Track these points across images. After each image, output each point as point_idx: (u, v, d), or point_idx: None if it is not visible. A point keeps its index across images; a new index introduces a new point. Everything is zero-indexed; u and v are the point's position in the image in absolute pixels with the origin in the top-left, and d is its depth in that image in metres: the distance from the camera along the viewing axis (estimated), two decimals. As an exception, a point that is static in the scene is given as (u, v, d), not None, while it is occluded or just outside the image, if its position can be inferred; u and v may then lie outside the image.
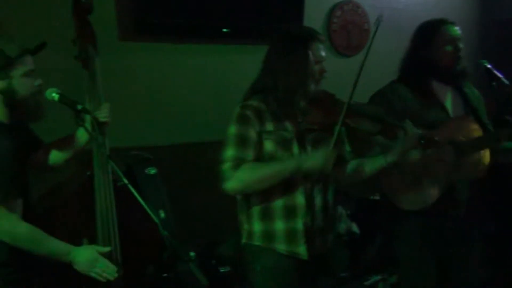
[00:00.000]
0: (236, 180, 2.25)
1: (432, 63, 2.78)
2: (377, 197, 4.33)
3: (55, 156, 2.46)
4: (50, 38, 3.17)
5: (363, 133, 2.34)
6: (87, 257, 2.18)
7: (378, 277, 3.92)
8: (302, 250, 2.35)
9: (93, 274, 2.19)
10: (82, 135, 2.42)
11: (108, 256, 2.25)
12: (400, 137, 2.34)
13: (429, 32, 2.83)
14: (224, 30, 3.99)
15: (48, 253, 2.16)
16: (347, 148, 2.54)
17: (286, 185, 2.31)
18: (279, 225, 2.34)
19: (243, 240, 2.45)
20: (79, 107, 2.21)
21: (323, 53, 2.34)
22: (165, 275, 3.21)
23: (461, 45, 2.78)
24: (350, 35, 4.76)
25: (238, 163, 2.25)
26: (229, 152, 2.27)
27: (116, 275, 2.22)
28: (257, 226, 2.38)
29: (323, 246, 2.41)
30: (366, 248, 4.10)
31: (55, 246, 2.16)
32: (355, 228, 4.09)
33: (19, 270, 2.21)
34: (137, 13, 3.68)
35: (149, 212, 1.92)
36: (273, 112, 2.31)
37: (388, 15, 4.92)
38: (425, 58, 2.79)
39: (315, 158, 2.24)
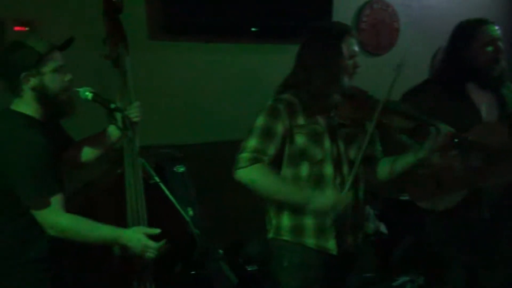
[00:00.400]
0: (246, 174, 2.25)
1: (471, 64, 2.73)
2: (405, 197, 4.31)
3: (86, 153, 2.48)
4: (82, 37, 3.26)
5: (396, 129, 2.33)
6: (137, 237, 2.19)
7: (406, 278, 3.89)
8: (331, 245, 2.34)
9: (147, 254, 2.20)
10: (113, 133, 2.45)
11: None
12: (433, 133, 2.31)
13: (468, 32, 2.78)
14: (253, 29, 3.99)
15: (98, 240, 2.17)
16: (378, 147, 2.53)
17: (317, 180, 2.31)
18: (308, 220, 2.34)
19: (270, 235, 2.45)
20: (112, 106, 2.23)
21: (356, 48, 2.35)
22: (193, 272, 3.23)
23: (501, 46, 2.73)
24: (379, 34, 4.72)
25: (257, 156, 2.24)
26: (251, 142, 2.27)
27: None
28: (286, 221, 2.38)
29: (353, 244, 2.41)
30: (394, 249, 4.07)
31: (105, 232, 2.18)
32: (383, 228, 4.06)
33: (52, 266, 2.24)
34: (167, 13, 3.70)
35: (180, 210, 1.93)
36: (305, 107, 2.31)
37: (418, 13, 4.90)
38: (463, 59, 2.75)
39: (325, 201, 2.23)
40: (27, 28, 3.27)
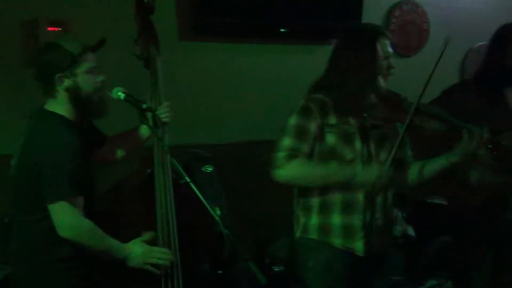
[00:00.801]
0: (286, 170, 2.28)
1: (506, 68, 2.71)
2: (433, 200, 4.27)
3: (117, 150, 2.53)
4: (113, 37, 3.30)
5: (429, 132, 2.32)
6: (138, 250, 2.22)
7: (434, 282, 3.85)
8: (358, 246, 2.34)
9: (150, 262, 2.22)
10: (144, 132, 2.49)
11: (161, 243, 2.28)
12: (465, 138, 2.29)
13: (504, 36, 2.76)
14: (282, 30, 3.99)
15: (106, 249, 2.20)
16: (409, 151, 2.51)
17: None
18: (336, 219, 2.34)
19: (298, 234, 2.45)
20: (144, 106, 2.26)
21: (390, 49, 2.35)
22: (220, 272, 3.24)
23: None
24: (409, 35, 4.68)
25: (293, 154, 2.27)
26: (286, 142, 2.30)
27: (172, 258, 2.25)
28: (314, 220, 2.38)
29: (380, 246, 2.40)
30: (422, 252, 4.03)
31: (112, 243, 2.20)
32: (411, 231, 4.03)
33: (81, 264, 2.27)
34: (196, 13, 3.72)
35: (210, 210, 1.94)
36: (337, 107, 2.32)
37: (448, 14, 4.84)
38: (503, 62, 2.72)
39: (369, 174, 2.26)
40: (60, 28, 3.31)
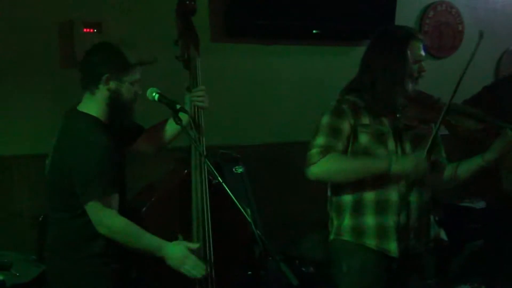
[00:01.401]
0: (320, 166, 2.27)
1: None
2: (466, 204, 4.21)
3: (150, 142, 2.55)
4: (148, 38, 3.34)
5: (465, 130, 2.29)
6: (178, 254, 2.22)
7: (467, 287, 3.80)
8: (392, 247, 2.31)
9: (183, 270, 2.23)
10: (171, 129, 2.49)
11: (198, 253, 2.29)
12: (502, 135, 2.26)
13: None
14: (314, 31, 3.99)
15: (142, 247, 2.22)
16: (443, 153, 2.48)
17: (379, 179, 2.29)
18: (370, 220, 2.32)
19: (332, 237, 2.44)
20: (178, 106, 2.27)
21: (422, 52, 2.32)
22: (250, 273, 3.25)
23: None
24: (443, 36, 4.63)
25: (327, 150, 2.27)
26: (319, 140, 2.29)
27: (204, 273, 2.25)
28: (347, 221, 2.37)
29: (416, 248, 2.38)
30: (454, 256, 3.98)
31: (149, 241, 2.21)
32: (443, 234, 3.96)
33: (115, 260, 2.30)
34: (228, 15, 3.74)
35: (242, 210, 1.95)
36: (370, 108, 2.31)
37: (483, 15, 4.77)
38: None
39: (406, 162, 2.24)
40: (94, 30, 3.36)
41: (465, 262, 3.98)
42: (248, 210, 3.08)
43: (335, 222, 2.43)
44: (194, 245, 2.27)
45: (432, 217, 3.91)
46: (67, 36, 3.34)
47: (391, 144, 2.32)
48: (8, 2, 3.24)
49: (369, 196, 2.32)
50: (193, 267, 2.23)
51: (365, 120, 2.31)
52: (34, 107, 3.33)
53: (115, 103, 2.27)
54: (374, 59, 2.33)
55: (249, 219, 1.91)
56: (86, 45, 3.27)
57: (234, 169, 3.63)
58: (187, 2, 2.49)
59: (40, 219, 3.24)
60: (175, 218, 2.38)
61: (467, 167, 2.40)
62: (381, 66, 2.29)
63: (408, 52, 2.28)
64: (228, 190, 1.98)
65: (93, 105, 2.27)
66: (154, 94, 2.32)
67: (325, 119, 2.32)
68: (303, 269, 3.59)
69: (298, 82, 4.08)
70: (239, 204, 1.97)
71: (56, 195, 2.31)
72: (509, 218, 2.78)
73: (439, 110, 2.24)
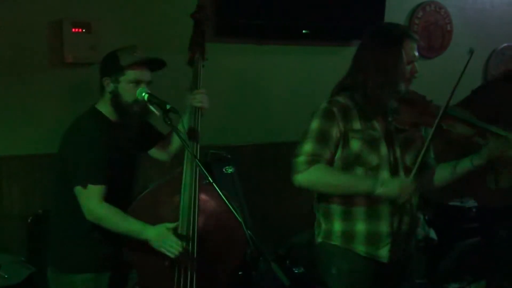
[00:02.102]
0: (307, 176, 2.24)
1: None
2: (455, 203, 4.23)
3: (161, 150, 2.72)
4: (138, 41, 3.33)
5: (456, 135, 2.28)
6: (157, 235, 2.31)
7: (456, 286, 3.82)
8: (382, 253, 2.30)
9: (163, 250, 2.31)
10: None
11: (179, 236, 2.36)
12: (491, 141, 2.25)
13: None
14: (304, 31, 3.99)
15: (126, 231, 2.34)
16: (431, 154, 2.48)
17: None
18: (360, 227, 2.29)
19: (319, 240, 2.41)
20: (168, 106, 2.28)
21: (416, 53, 2.26)
22: (240, 273, 3.24)
23: None
24: (432, 36, 4.65)
25: (314, 159, 2.23)
26: (307, 147, 2.25)
27: (180, 250, 2.30)
28: (337, 226, 2.33)
29: (405, 251, 2.37)
30: (444, 256, 4.00)
31: (131, 225, 2.33)
32: (433, 234, 3.99)
33: (107, 245, 2.41)
34: (218, 15, 3.73)
35: (233, 211, 1.94)
36: (361, 110, 2.27)
37: (472, 15, 4.80)
38: None
39: (391, 186, 2.19)
40: (83, 30, 3.35)
41: (455, 261, 3.99)
42: (238, 210, 3.09)
43: (324, 226, 2.39)
44: (173, 225, 2.34)
45: (422, 217, 3.96)
46: (56, 36, 3.33)
47: (383, 149, 2.27)
48: (-3, 2, 3.22)
49: (360, 203, 2.28)
50: (171, 245, 2.30)
51: (356, 124, 2.26)
52: (23, 108, 3.31)
53: (116, 103, 2.41)
54: (367, 57, 2.26)
55: (240, 219, 1.91)
56: (75, 45, 3.31)
57: (224, 169, 3.62)
58: (200, 14, 2.72)
59: (30, 220, 3.23)
60: (166, 213, 2.40)
61: (456, 170, 2.37)
62: (374, 65, 2.22)
63: (402, 51, 2.22)
64: (219, 191, 1.98)
65: (103, 104, 2.45)
66: (143, 94, 2.37)
67: (315, 124, 2.27)
68: (294, 269, 3.58)
69: (288, 82, 4.08)
70: (230, 204, 1.97)
71: (56, 186, 2.48)
72: (492, 217, 2.79)
73: (432, 113, 2.21)
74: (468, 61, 2.18)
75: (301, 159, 2.24)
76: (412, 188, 2.21)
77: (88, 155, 2.33)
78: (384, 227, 2.28)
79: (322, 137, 2.24)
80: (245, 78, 3.95)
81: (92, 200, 2.31)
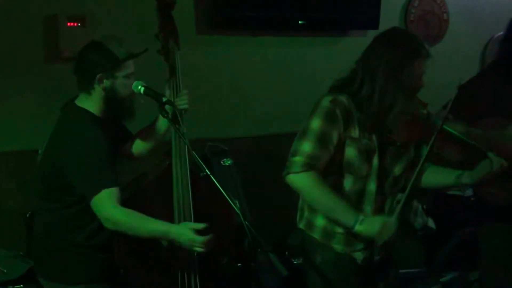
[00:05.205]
0: (297, 180, 2.18)
1: None
2: (454, 192, 4.24)
3: (139, 146, 2.55)
4: (133, 32, 3.32)
5: (447, 155, 2.29)
6: (188, 237, 2.18)
7: (455, 274, 3.83)
8: (357, 255, 2.33)
9: (194, 248, 2.21)
10: (161, 126, 2.51)
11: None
12: (483, 164, 2.23)
13: None
14: (300, 22, 3.97)
15: (149, 233, 2.22)
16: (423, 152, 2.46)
17: (358, 194, 2.27)
18: (341, 229, 2.29)
19: (301, 226, 2.41)
20: (164, 99, 2.27)
21: (425, 69, 2.19)
22: (239, 265, 3.25)
23: None
24: (428, 25, 4.64)
25: (310, 163, 2.16)
26: (307, 147, 2.18)
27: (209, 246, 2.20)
28: (320, 221, 2.33)
29: (384, 252, 2.38)
30: (443, 244, 4.01)
31: (157, 226, 2.20)
32: (431, 223, 4.00)
33: (98, 251, 2.35)
34: (214, 7, 3.72)
35: (230, 202, 1.95)
36: (362, 118, 2.20)
37: (467, 4, 4.79)
38: None
39: (371, 226, 2.16)
40: (79, 24, 3.34)
41: (453, 250, 4.01)
42: (236, 202, 3.10)
43: (306, 214, 2.39)
44: (198, 226, 2.22)
45: (420, 206, 3.96)
46: (51, 30, 3.31)
47: (375, 161, 2.24)
48: (-10, -3, 3.21)
49: None
50: (201, 242, 2.18)
51: (355, 132, 2.20)
52: (19, 103, 3.31)
53: (112, 100, 2.31)
54: (380, 68, 2.16)
55: (238, 211, 1.92)
56: (70, 39, 3.30)
57: (222, 162, 3.63)
58: None
59: (28, 215, 3.23)
60: (158, 210, 2.37)
61: (440, 180, 2.39)
62: (384, 77, 2.15)
63: (416, 67, 2.15)
64: (216, 182, 1.98)
65: (90, 102, 2.32)
66: (139, 87, 2.32)
67: (316, 123, 2.18)
68: (293, 260, 3.59)
69: (285, 74, 4.07)
70: (228, 195, 1.97)
71: (46, 186, 2.35)
72: (491, 206, 2.79)
73: (429, 130, 2.18)
74: (441, 124, 2.18)
75: (298, 159, 2.17)
76: (394, 229, 2.16)
77: (93, 160, 2.20)
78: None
79: (323, 140, 2.17)
80: (241, 70, 3.95)
81: (106, 204, 2.17)
